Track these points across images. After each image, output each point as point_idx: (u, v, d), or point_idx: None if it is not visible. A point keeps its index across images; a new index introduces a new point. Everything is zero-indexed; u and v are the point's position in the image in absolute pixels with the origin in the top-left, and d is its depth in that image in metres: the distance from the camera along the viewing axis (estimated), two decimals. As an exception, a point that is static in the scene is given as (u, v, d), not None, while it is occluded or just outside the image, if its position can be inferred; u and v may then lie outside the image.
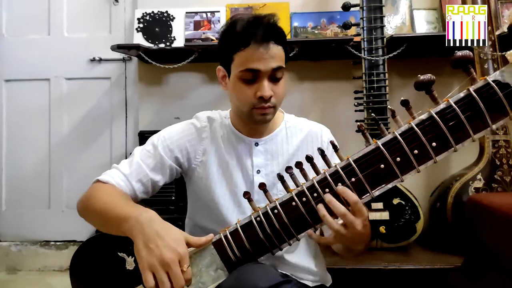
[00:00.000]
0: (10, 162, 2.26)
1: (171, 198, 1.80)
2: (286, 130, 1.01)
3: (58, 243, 2.20)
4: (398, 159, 0.68)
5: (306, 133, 1.01)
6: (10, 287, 2.03)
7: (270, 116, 0.92)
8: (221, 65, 0.96)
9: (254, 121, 0.93)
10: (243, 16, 0.90)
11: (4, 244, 2.21)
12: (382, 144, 0.68)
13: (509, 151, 1.60)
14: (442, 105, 0.66)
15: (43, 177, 2.23)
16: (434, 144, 0.66)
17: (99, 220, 0.86)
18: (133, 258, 0.82)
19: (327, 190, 0.72)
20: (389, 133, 0.69)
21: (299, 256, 0.95)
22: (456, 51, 0.64)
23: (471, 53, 0.64)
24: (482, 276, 1.20)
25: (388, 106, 0.68)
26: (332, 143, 0.75)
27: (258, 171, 0.96)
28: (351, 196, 0.70)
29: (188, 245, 0.74)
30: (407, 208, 1.59)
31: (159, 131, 1.01)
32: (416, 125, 0.66)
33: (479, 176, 1.58)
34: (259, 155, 0.97)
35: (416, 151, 0.67)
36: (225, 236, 0.76)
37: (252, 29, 0.85)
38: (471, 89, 0.64)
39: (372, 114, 0.74)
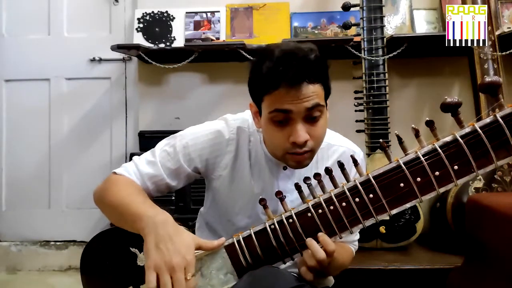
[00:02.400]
0: (10, 162, 2.26)
1: (171, 198, 1.80)
2: (317, 152, 0.91)
3: (58, 243, 2.20)
4: (419, 179, 0.66)
5: (336, 158, 0.93)
6: (10, 287, 2.03)
7: (307, 161, 0.82)
8: (253, 101, 0.86)
9: (288, 166, 0.85)
10: (275, 49, 0.77)
11: (4, 244, 2.21)
12: (403, 163, 0.67)
13: (509, 151, 1.60)
14: (467, 129, 0.64)
15: (43, 177, 2.23)
16: (456, 167, 0.64)
17: (114, 214, 0.85)
18: None
19: (344, 204, 0.71)
20: (410, 152, 0.67)
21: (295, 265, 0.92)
22: (485, 77, 0.64)
23: (500, 79, 0.63)
24: (482, 276, 1.20)
25: (412, 125, 0.67)
26: (352, 157, 0.72)
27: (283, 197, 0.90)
28: (330, 244, 0.71)
29: (200, 249, 0.74)
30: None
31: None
32: (440, 146, 0.65)
33: (479, 176, 1.58)
34: (286, 179, 0.91)
35: (437, 173, 0.65)
36: (238, 241, 0.75)
37: (282, 69, 0.74)
38: (498, 115, 0.62)
39: (396, 132, 0.72)
